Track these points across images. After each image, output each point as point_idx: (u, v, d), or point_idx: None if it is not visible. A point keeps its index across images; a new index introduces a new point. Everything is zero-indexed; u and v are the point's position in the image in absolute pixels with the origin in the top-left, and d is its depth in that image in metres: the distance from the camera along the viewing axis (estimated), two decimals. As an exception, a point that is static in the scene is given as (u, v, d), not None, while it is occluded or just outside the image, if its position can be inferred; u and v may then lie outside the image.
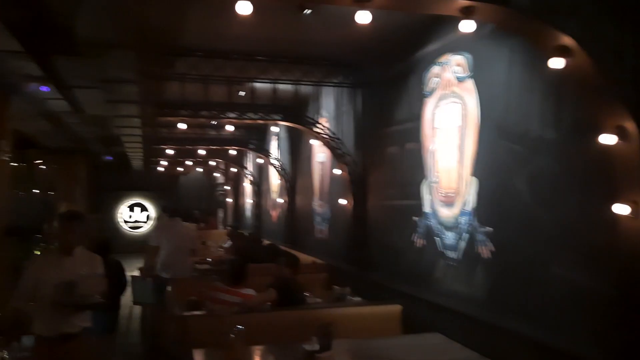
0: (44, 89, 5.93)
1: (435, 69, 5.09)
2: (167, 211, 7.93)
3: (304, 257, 7.07)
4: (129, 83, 5.43)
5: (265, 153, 11.03)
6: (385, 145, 6.14)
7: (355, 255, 6.70)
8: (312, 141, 7.80)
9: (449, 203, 4.84)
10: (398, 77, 5.82)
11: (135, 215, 19.58)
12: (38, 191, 13.37)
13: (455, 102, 4.75)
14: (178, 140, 10.68)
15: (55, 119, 7.87)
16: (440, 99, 5.00)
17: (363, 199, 6.65)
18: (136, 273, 7.66)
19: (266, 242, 9.66)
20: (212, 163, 15.65)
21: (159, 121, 7.55)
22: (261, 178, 13.44)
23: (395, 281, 5.75)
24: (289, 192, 10.19)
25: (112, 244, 6.12)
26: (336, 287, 6.01)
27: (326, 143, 6.84)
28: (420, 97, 5.36)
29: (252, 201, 13.94)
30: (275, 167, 10.58)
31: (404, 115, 5.75)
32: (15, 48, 4.48)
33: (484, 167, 4.38)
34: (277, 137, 11.32)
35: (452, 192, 4.80)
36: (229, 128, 7.37)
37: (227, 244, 9.37)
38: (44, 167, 13.48)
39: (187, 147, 10.89)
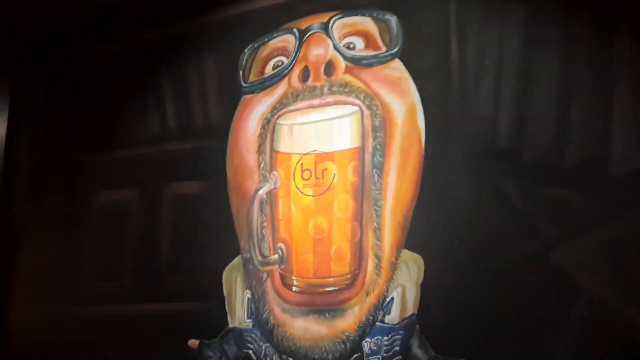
0: None
1: (277, 43, 2.61)
2: None
3: None
4: None
5: None
6: (78, 189, 2.98)
7: None
8: None
9: (322, 307, 2.28)
10: (129, 56, 2.96)
11: None
12: None
13: (343, 108, 2.39)
14: None
15: None
16: (292, 99, 2.51)
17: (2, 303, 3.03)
18: None
19: None
20: None
21: None
22: None
23: None
24: None
25: None
26: None
27: None
28: (222, 95, 2.71)
29: None
30: None
31: (156, 129, 2.87)
32: None
33: (439, 232, 2.15)
34: None
35: (331, 282, 2.28)
36: None
37: None
38: None
39: None
